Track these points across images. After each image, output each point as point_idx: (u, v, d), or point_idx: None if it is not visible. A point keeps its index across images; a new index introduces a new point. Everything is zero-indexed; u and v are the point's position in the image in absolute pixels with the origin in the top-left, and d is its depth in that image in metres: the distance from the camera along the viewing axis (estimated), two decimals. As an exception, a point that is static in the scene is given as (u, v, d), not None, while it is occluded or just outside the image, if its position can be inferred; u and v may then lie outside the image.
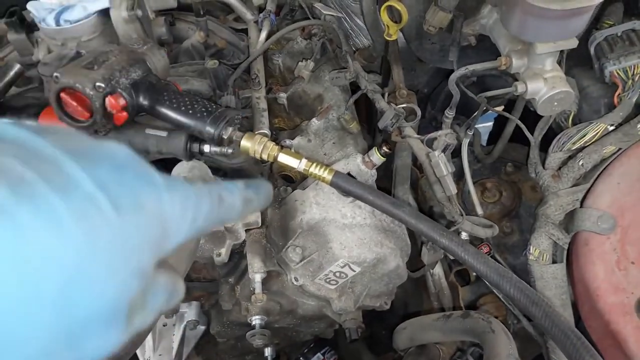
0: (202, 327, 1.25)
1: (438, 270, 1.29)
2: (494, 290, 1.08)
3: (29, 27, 1.12)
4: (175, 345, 1.19)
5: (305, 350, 1.49)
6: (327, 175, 0.85)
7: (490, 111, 1.17)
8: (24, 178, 0.27)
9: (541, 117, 1.25)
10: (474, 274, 1.23)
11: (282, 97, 1.30)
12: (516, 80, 1.28)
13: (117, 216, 0.30)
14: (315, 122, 1.22)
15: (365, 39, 1.57)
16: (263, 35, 1.19)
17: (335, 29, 1.18)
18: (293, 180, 1.23)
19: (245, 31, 1.37)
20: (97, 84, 0.82)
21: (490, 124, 2.06)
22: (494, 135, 1.94)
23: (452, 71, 1.55)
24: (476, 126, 1.32)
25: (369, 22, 1.18)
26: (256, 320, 1.11)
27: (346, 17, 1.41)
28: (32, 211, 0.26)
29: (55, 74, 0.82)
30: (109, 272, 0.29)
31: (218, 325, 1.22)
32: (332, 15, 1.27)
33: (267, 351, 1.23)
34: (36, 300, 0.26)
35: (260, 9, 1.33)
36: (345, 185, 0.83)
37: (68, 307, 0.27)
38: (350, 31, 1.49)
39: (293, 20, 1.42)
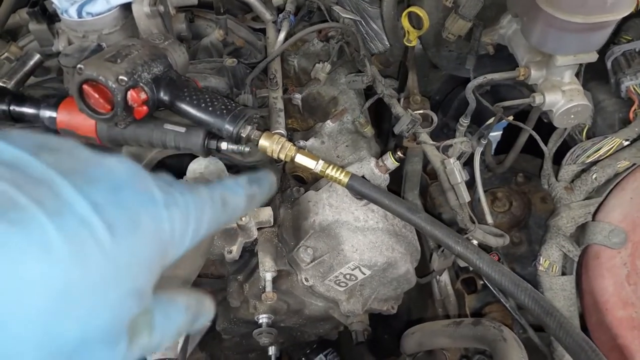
0: (207, 323, 1.26)
1: (444, 277, 1.29)
2: (502, 300, 1.09)
3: (50, 17, 1.13)
4: (181, 341, 1.19)
5: (308, 351, 1.49)
6: (343, 177, 0.85)
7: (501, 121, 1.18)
8: (17, 203, 0.28)
9: (554, 128, 1.25)
10: (481, 282, 1.23)
11: (297, 98, 1.31)
12: (531, 91, 1.29)
13: (112, 239, 0.30)
14: (329, 124, 1.23)
15: (379, 44, 1.58)
16: (282, 35, 1.20)
17: (354, 33, 1.18)
18: (305, 181, 1.24)
19: (262, 31, 1.38)
20: (120, 77, 0.82)
21: (499, 133, 2.06)
22: (502, 145, 1.95)
23: (465, 79, 1.57)
24: (487, 135, 1.33)
25: (388, 27, 1.18)
26: (263, 318, 1.12)
27: (361, 20, 1.42)
28: (24, 236, 0.27)
29: (79, 65, 0.83)
30: (101, 294, 0.30)
31: (225, 322, 1.23)
32: (350, 18, 1.27)
33: (271, 350, 1.23)
34: (23, 321, 0.27)
35: (279, 9, 1.34)
36: (361, 188, 0.83)
37: (57, 328, 0.28)
38: (365, 35, 1.49)
39: (310, 22, 1.42)
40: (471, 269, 1.13)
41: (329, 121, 1.23)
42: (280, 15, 1.24)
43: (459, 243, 0.74)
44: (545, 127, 1.23)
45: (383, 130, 1.61)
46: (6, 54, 1.13)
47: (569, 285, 0.98)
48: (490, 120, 1.18)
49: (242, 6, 1.41)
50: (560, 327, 0.63)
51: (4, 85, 1.01)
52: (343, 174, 0.86)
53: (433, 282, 1.31)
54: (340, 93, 1.32)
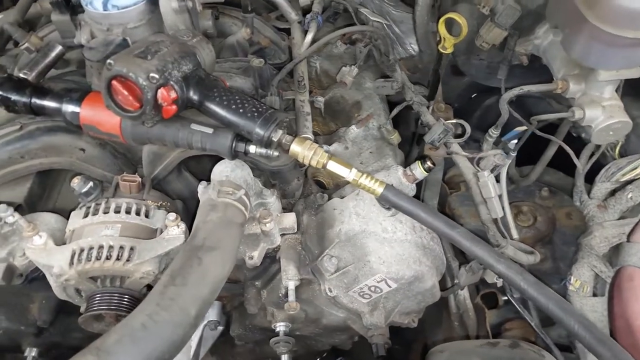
0: (221, 328, 1.23)
1: (463, 291, 1.26)
2: (527, 318, 1.06)
3: (74, 9, 1.09)
4: (194, 344, 1.17)
5: (319, 360, 1.46)
6: (377, 187, 0.82)
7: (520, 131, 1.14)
8: None
9: (583, 143, 1.22)
10: (503, 298, 1.20)
11: (320, 101, 1.27)
12: (560, 104, 1.26)
13: None
14: (354, 130, 1.20)
15: (401, 48, 1.55)
16: (309, 37, 1.17)
17: (384, 36, 1.15)
18: (325, 187, 1.20)
19: (286, 30, 1.35)
20: (151, 74, 0.79)
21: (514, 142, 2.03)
22: (519, 156, 1.92)
23: (487, 87, 1.54)
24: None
25: (420, 32, 1.15)
26: (281, 327, 1.09)
27: (390, 24, 1.39)
28: None
29: (108, 61, 0.80)
30: None
31: (240, 327, 1.20)
32: (379, 21, 1.25)
33: (285, 358, 1.20)
34: None
35: (304, 10, 1.31)
36: (396, 200, 0.80)
37: None
38: (389, 37, 1.46)
39: (335, 26, 1.39)
40: (498, 284, 1.10)
41: (353, 126, 1.20)
42: (308, 16, 1.21)
43: (501, 262, 0.71)
44: (574, 141, 1.20)
45: (402, 137, 1.59)
46: (26, 44, 1.09)
47: (600, 306, 0.95)
48: (520, 130, 1.15)
49: (266, 5, 1.38)
50: (616, 358, 0.60)
51: (25, 77, 0.98)
52: (377, 183, 0.83)
53: (450, 296, 1.28)
54: (365, 98, 1.29)
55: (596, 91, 0.94)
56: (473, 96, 1.68)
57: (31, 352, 1.15)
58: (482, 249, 0.73)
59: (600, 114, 0.93)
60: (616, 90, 0.98)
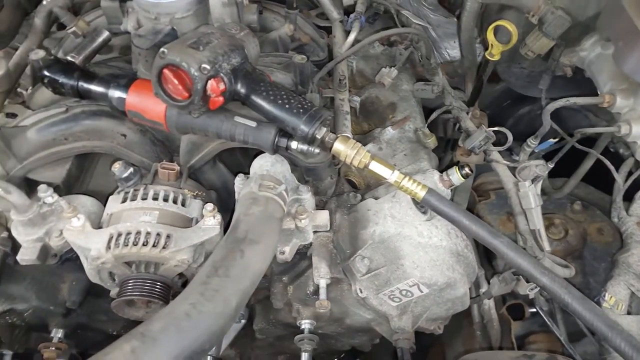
0: (244, 321, 1.23)
1: (489, 301, 1.25)
2: (555, 332, 1.04)
3: (122, -5, 1.11)
4: (217, 336, 1.17)
5: None
6: (420, 190, 0.82)
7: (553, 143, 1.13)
8: None
9: (620, 159, 1.21)
10: (530, 310, 1.19)
11: (356, 101, 1.27)
12: (597, 117, 1.24)
13: None
14: (390, 131, 1.19)
15: (436, 52, 1.54)
16: (352, 36, 1.17)
17: (427, 40, 1.15)
18: (356, 186, 1.20)
19: (325, 28, 1.35)
20: (203, 65, 0.80)
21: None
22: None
23: (521, 96, 1.52)
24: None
25: (464, 38, 1.14)
26: (306, 324, 1.09)
27: (430, 27, 1.38)
28: None
29: (162, 49, 0.80)
30: None
31: (263, 322, 1.20)
32: (420, 24, 1.24)
33: (305, 356, 1.20)
34: None
35: (346, 10, 1.31)
36: (438, 204, 0.80)
37: None
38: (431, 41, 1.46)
39: (374, 27, 1.39)
40: (530, 296, 1.08)
41: (389, 127, 1.20)
42: (352, 16, 1.21)
43: (545, 274, 0.70)
44: (608, 156, 1.19)
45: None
46: (73, 28, 1.10)
47: (635, 325, 0.94)
48: (553, 141, 1.14)
49: (306, 2, 1.38)
50: (665, 379, 0.59)
51: (73, 60, 0.99)
52: (420, 187, 0.82)
53: (474, 304, 1.27)
54: (401, 100, 1.29)
55: (645, 107, 0.93)
56: (505, 104, 1.66)
57: (57, 333, 1.17)
58: (526, 260, 0.72)
59: (648, 131, 0.92)
60: (664, 108, 0.96)
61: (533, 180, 0.96)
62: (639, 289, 0.95)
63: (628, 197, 1.15)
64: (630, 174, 1.14)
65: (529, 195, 0.91)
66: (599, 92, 1.04)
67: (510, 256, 0.73)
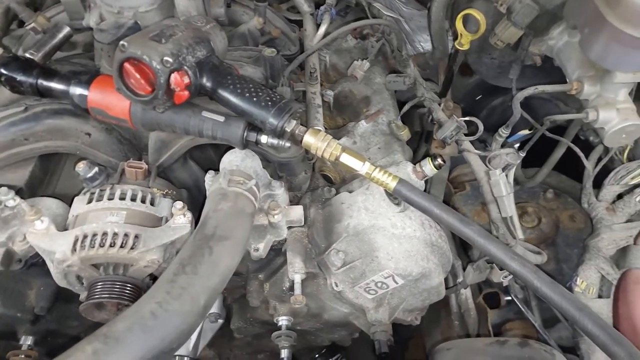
0: (221, 321, 1.21)
1: (466, 290, 1.26)
2: (530, 318, 1.05)
3: (84, -11, 1.07)
4: (194, 337, 1.15)
5: (317, 356, 1.45)
6: (391, 181, 0.81)
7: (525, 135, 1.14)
8: None
9: (590, 146, 1.23)
10: (506, 298, 1.20)
11: (329, 94, 1.26)
12: (567, 106, 1.25)
13: None
14: (363, 124, 1.19)
15: (409, 45, 1.54)
16: (322, 29, 1.16)
17: (398, 32, 1.14)
18: (332, 181, 1.19)
19: (297, 22, 1.33)
20: (165, 58, 0.77)
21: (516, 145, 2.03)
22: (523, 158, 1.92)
23: (493, 87, 1.54)
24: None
25: (434, 29, 1.14)
26: (283, 320, 1.08)
27: (403, 19, 1.38)
28: None
29: (122, 42, 0.78)
30: None
31: (240, 320, 1.18)
32: (392, 16, 1.23)
33: (284, 353, 1.19)
34: None
35: (316, 3, 1.29)
36: (409, 194, 0.80)
37: None
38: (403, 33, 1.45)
39: (346, 20, 1.38)
40: (504, 284, 1.09)
41: (363, 121, 1.19)
42: (322, 8, 1.20)
43: (515, 260, 0.71)
44: (579, 144, 1.20)
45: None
46: (33, 25, 1.06)
47: (606, 308, 0.95)
48: (524, 133, 1.15)
49: (277, -5, 1.37)
50: (631, 357, 0.60)
51: (32, 57, 0.96)
52: (391, 177, 0.82)
53: (451, 294, 1.28)
54: (374, 93, 1.28)
55: (611, 93, 0.94)
56: (478, 96, 1.68)
57: (26, 340, 1.13)
58: (496, 247, 0.72)
59: (615, 117, 0.93)
60: (629, 94, 0.97)
61: (504, 169, 0.97)
62: (608, 272, 0.97)
63: (598, 184, 1.17)
64: (600, 160, 1.16)
65: (499, 183, 0.92)
66: (567, 80, 1.05)
67: (481, 243, 0.73)
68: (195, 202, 1.07)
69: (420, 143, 1.35)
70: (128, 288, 0.88)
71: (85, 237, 0.85)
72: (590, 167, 1.07)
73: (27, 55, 0.96)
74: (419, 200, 0.79)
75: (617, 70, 0.89)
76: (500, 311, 1.27)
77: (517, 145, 1.82)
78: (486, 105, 1.58)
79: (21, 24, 1.17)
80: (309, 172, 1.09)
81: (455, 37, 1.08)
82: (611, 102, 0.94)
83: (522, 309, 1.04)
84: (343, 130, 1.23)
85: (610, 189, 1.04)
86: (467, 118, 1.02)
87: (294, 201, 1.07)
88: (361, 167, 0.82)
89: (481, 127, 1.00)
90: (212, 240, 0.72)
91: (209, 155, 1.13)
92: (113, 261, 0.88)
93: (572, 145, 1.09)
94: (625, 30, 0.81)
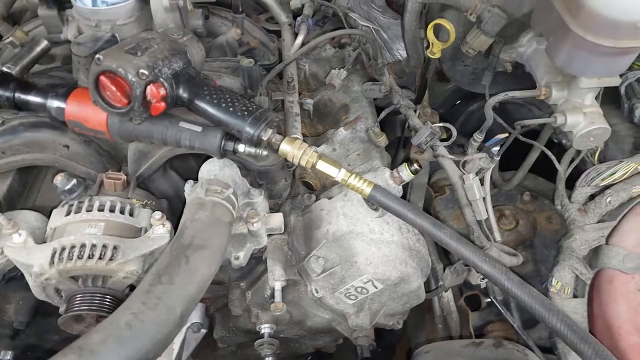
0: (204, 331, 1.21)
1: (448, 293, 1.28)
2: (509, 320, 1.07)
3: (61, 4, 1.08)
4: (177, 347, 1.14)
5: (302, 363, 1.45)
6: (366, 187, 0.83)
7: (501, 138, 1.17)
8: None
9: (564, 149, 1.26)
10: (486, 300, 1.22)
11: (309, 103, 1.28)
12: (541, 110, 1.29)
13: None
14: (342, 132, 1.21)
15: (388, 53, 1.57)
16: (299, 39, 1.18)
17: (373, 41, 1.17)
18: (313, 188, 1.21)
19: (276, 32, 1.35)
20: (141, 70, 0.79)
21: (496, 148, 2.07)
22: (501, 161, 1.95)
23: (469, 94, 1.57)
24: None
25: (408, 37, 1.17)
26: (266, 328, 1.08)
27: (379, 29, 1.41)
28: None
29: (97, 55, 0.79)
30: None
31: (223, 330, 1.18)
32: (367, 26, 1.26)
33: (268, 361, 1.19)
34: None
35: (294, 13, 1.32)
36: (384, 200, 0.81)
37: None
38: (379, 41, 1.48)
39: (324, 29, 1.40)
40: (482, 286, 1.11)
41: (341, 128, 1.21)
42: (299, 19, 1.22)
43: (486, 262, 0.73)
44: (554, 147, 1.24)
45: (389, 140, 1.60)
46: (10, 38, 1.07)
47: (581, 308, 0.98)
48: (501, 137, 1.17)
49: (256, 6, 1.39)
50: (597, 355, 0.62)
51: (9, 71, 0.96)
52: (366, 183, 0.83)
53: (434, 297, 1.29)
54: (352, 101, 1.30)
55: (578, 98, 0.97)
56: (457, 102, 1.71)
57: (6, 355, 1.12)
58: (468, 249, 0.74)
59: (582, 120, 0.96)
60: (596, 98, 1.01)
61: (477, 173, 0.99)
62: (582, 272, 0.99)
63: (572, 186, 1.20)
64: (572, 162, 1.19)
65: (473, 187, 0.94)
66: (537, 86, 1.08)
67: (453, 246, 0.75)
68: (177, 212, 1.07)
69: (399, 149, 1.37)
70: (107, 300, 0.88)
71: (63, 249, 0.85)
72: (561, 169, 1.10)
73: (5, 69, 0.97)
74: (393, 205, 0.80)
75: (582, 75, 0.93)
76: (482, 313, 1.28)
77: (496, 149, 1.85)
78: (464, 110, 1.61)
79: (1, 37, 1.18)
80: (288, 179, 1.10)
81: (429, 46, 1.10)
82: (578, 107, 0.97)
83: (501, 310, 1.06)
84: (323, 137, 1.25)
85: (581, 191, 1.07)
86: (441, 124, 1.05)
87: (274, 208, 1.08)
88: (337, 173, 0.84)
89: (454, 132, 1.03)
90: (188, 249, 0.73)
91: (190, 165, 1.14)
92: (92, 273, 0.88)
93: (544, 148, 1.12)
94: (587, 38, 0.84)
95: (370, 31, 1.23)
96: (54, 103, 0.89)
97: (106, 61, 0.78)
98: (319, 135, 1.30)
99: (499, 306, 1.06)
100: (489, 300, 1.21)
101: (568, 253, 1.01)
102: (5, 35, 1.08)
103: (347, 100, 1.31)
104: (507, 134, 1.15)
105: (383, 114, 1.18)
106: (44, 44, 1.03)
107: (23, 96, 0.90)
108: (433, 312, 1.32)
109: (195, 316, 1.20)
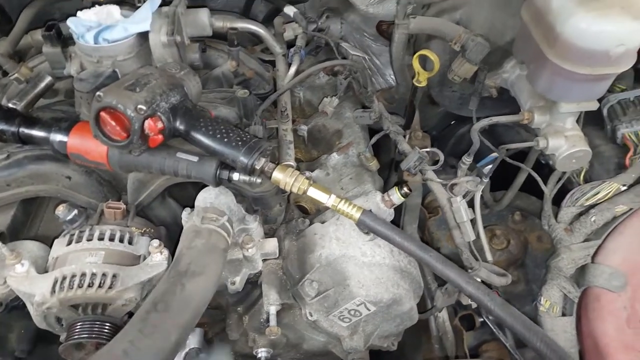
0: (203, 355, 1.22)
1: (443, 313, 1.29)
2: (502, 339, 1.09)
3: (64, 41, 1.13)
4: (175, 372, 1.16)
5: (301, 386, 1.45)
6: (355, 212, 0.86)
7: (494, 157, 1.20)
8: None
9: (550, 169, 1.29)
10: (480, 319, 1.24)
11: (303, 129, 1.32)
12: (528, 132, 1.33)
13: None
14: (335, 157, 1.25)
15: (381, 79, 1.62)
16: (293, 69, 1.22)
17: (363, 70, 1.22)
18: (308, 212, 1.24)
19: (270, 62, 1.41)
20: (139, 106, 0.83)
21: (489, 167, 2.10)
22: (493, 181, 1.99)
23: (461, 117, 1.62)
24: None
25: (396, 66, 1.22)
26: (262, 352, 1.10)
27: (368, 57, 1.46)
28: None
29: (98, 93, 0.83)
30: None
31: (221, 354, 1.20)
32: (358, 55, 1.31)
33: (266, 384, 1.20)
34: None
35: (288, 44, 1.37)
36: (372, 224, 0.84)
37: None
38: (368, 70, 1.53)
39: (317, 57, 1.46)
40: (473, 306, 1.14)
41: (334, 153, 1.25)
42: (292, 50, 1.27)
43: (470, 283, 0.75)
44: (542, 167, 1.27)
45: (382, 163, 1.64)
46: (16, 75, 1.12)
47: (570, 326, 1.00)
48: (491, 158, 1.21)
49: (251, 38, 1.44)
50: (576, 373, 0.64)
51: (14, 107, 1.01)
52: (355, 209, 0.86)
53: (430, 318, 1.31)
54: (345, 126, 1.35)
55: (559, 122, 1.01)
56: (448, 125, 1.76)
57: (8, 383, 1.13)
58: (452, 272, 0.77)
59: (563, 144, 1.00)
60: (577, 121, 1.05)
61: (465, 196, 1.02)
62: (570, 291, 1.01)
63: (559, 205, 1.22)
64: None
65: (460, 209, 0.97)
66: (521, 110, 1.12)
67: (439, 268, 0.77)
68: (176, 238, 1.11)
69: (390, 172, 1.41)
70: (107, 327, 0.90)
71: (64, 278, 0.88)
72: (547, 190, 1.13)
73: (10, 105, 1.02)
74: (381, 229, 0.84)
75: (562, 101, 0.97)
76: (477, 333, 1.30)
77: (488, 168, 1.89)
78: (455, 133, 1.66)
79: (5, 73, 1.23)
80: (283, 204, 1.14)
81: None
82: (560, 130, 1.01)
83: (494, 330, 1.08)
84: (317, 162, 1.28)
85: (567, 211, 1.10)
86: (429, 149, 1.08)
87: (269, 233, 1.11)
88: (327, 199, 0.87)
89: (442, 157, 1.06)
90: (185, 277, 0.75)
91: (189, 193, 1.17)
92: (91, 301, 0.90)
93: (530, 170, 1.16)
94: (564, 66, 0.89)
95: (360, 61, 1.28)
96: (56, 137, 0.93)
97: (106, 98, 0.82)
98: (313, 160, 1.34)
99: (491, 325, 1.07)
100: (482, 319, 1.22)
101: (556, 272, 1.03)
102: (11, 72, 1.13)
103: (340, 126, 1.35)
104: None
105: (373, 140, 1.22)
106: (48, 79, 1.07)
107: (27, 131, 0.95)
108: (430, 333, 1.34)
109: (193, 341, 1.21)
